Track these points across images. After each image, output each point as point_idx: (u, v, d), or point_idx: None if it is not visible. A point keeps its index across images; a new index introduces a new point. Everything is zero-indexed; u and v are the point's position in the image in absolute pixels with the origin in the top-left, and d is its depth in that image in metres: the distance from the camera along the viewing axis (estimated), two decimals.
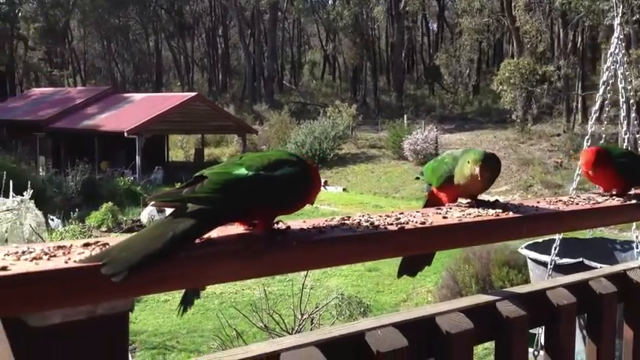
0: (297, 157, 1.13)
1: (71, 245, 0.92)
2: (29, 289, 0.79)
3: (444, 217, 1.32)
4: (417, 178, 1.72)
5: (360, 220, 1.22)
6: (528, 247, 5.48)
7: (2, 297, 0.77)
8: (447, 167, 1.51)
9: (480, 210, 1.40)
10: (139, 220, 20.19)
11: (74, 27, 57.29)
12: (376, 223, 1.20)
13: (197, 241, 0.98)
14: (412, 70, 55.72)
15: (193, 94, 33.24)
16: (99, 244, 0.93)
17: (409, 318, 1.35)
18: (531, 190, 23.48)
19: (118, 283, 0.83)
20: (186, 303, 1.06)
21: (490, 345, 1.57)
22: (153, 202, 1.01)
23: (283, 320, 9.68)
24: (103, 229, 19.18)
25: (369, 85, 50.07)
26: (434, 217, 1.30)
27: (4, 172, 13.55)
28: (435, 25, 56.39)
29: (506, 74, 29.01)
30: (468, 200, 1.51)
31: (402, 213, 1.31)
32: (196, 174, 1.05)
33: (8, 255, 0.86)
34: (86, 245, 0.92)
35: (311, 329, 9.65)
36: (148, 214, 20.75)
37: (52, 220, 17.58)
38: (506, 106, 31.35)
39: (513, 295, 1.57)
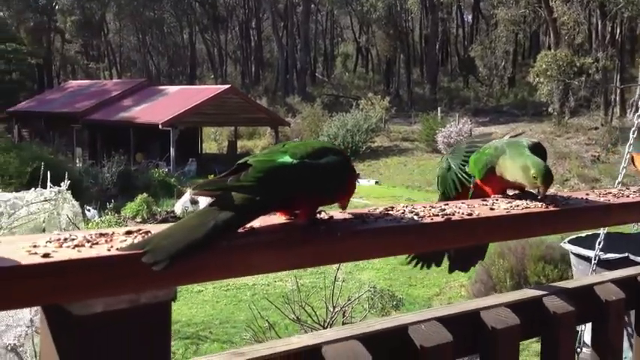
0: (338, 147, 1.10)
1: (113, 233, 0.90)
2: (72, 276, 0.77)
3: (491, 209, 1.27)
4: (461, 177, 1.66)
5: (404, 210, 1.19)
6: (571, 242, 5.37)
7: (44, 285, 0.76)
8: (488, 158, 1.46)
9: (528, 202, 1.35)
10: (173, 212, 20.41)
11: (110, 20, 58.00)
12: (421, 213, 1.17)
13: (239, 230, 0.95)
14: (446, 62, 55.16)
15: (227, 86, 33.40)
16: (141, 231, 0.92)
17: (453, 312, 1.31)
18: (567, 184, 23.09)
19: (159, 272, 0.81)
20: None
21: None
22: (196, 191, 0.98)
23: (315, 313, 9.68)
24: (138, 219, 19.43)
25: (402, 77, 49.74)
26: (480, 209, 1.25)
27: (42, 163, 13.77)
28: (469, 17, 55.72)
29: (543, 66, 28.53)
30: (515, 192, 1.47)
31: (447, 204, 1.27)
32: (239, 162, 1.03)
33: (50, 242, 0.84)
34: (128, 233, 0.91)
35: (343, 322, 9.63)
36: (181, 205, 20.94)
37: (89, 210, 17.85)
38: (543, 99, 30.85)
39: (560, 290, 1.52)
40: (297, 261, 1.01)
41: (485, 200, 1.37)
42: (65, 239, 0.85)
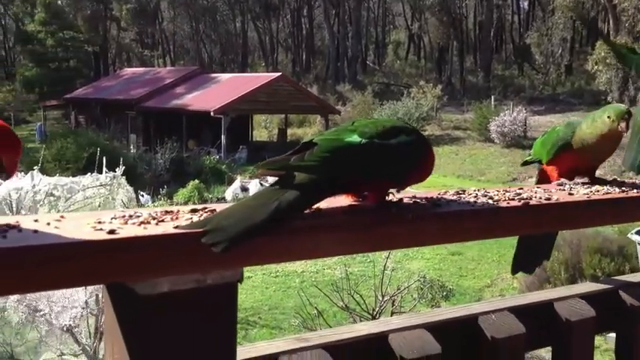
0: (412, 126, 1.04)
1: (178, 210, 0.88)
2: (138, 254, 0.75)
3: (570, 194, 1.20)
4: (525, 163, 1.56)
5: (477, 194, 1.12)
6: (638, 233, 5.19)
7: (110, 262, 0.73)
8: (559, 135, 1.37)
9: (608, 187, 1.27)
10: (224, 198, 20.66)
11: (164, 8, 58.87)
12: (495, 197, 1.10)
13: (303, 212, 0.91)
14: (501, 49, 54.11)
15: (278, 74, 33.52)
16: (206, 210, 0.89)
17: (526, 303, 1.25)
18: (625, 175, 22.37)
19: (219, 251, 0.77)
20: None
21: None
22: (260, 170, 0.93)
23: (364, 301, 9.66)
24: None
25: (455, 65, 48.99)
26: (558, 194, 1.18)
27: (98, 149, 14.11)
28: (525, 3, 54.46)
29: (602, 54, 27.66)
30: (584, 179, 1.37)
31: (522, 188, 1.20)
32: (304, 140, 0.98)
33: (115, 218, 0.82)
34: (193, 211, 0.88)
35: (392, 311, 9.58)
36: (232, 191, 21.18)
37: (142, 196, 18.19)
38: (602, 87, 29.95)
39: (637, 283, 1.44)
40: (364, 245, 0.96)
41: (561, 184, 1.30)
42: (130, 216, 0.83)
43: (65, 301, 8.00)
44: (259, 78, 32.80)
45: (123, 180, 11.57)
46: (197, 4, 54.18)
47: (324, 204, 0.97)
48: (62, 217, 0.82)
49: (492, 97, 33.78)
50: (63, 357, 8.72)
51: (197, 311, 0.81)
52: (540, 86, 41.05)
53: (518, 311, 1.20)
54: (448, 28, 47.31)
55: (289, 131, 34.69)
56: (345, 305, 9.56)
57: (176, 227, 0.80)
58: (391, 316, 9.44)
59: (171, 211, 0.87)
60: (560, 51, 41.43)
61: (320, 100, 33.93)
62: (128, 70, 42.44)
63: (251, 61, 60.65)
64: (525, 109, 29.38)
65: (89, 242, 0.72)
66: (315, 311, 9.63)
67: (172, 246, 0.77)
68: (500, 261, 14.78)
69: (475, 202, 1.07)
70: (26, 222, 0.77)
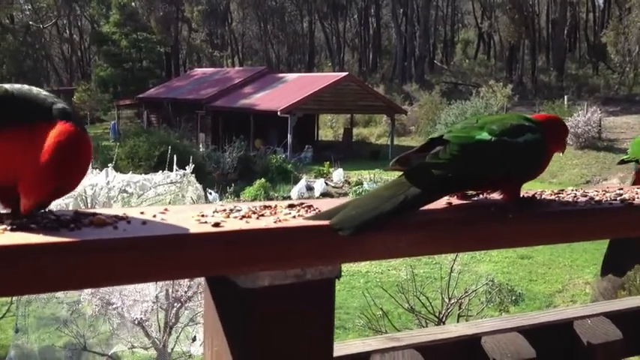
0: (534, 121, 1.03)
1: (276, 205, 0.88)
2: (241, 247, 0.75)
3: None
4: (621, 162, 1.51)
5: (576, 194, 1.09)
6: None
7: (215, 254, 0.74)
8: None
9: None
10: (289, 197, 20.83)
11: (234, 9, 59.82)
12: (597, 197, 1.07)
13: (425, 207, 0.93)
14: (574, 48, 52.49)
15: (344, 74, 33.54)
16: (303, 205, 0.89)
17: (623, 308, 1.20)
18: None
19: (325, 248, 0.78)
20: None
21: None
22: (392, 166, 0.96)
23: (430, 303, 9.55)
24: None
25: (526, 64, 47.82)
26: None
27: (169, 147, 14.49)
28: (601, 1, 52.60)
29: None
30: None
31: (622, 189, 1.15)
32: (432, 136, 1.00)
33: (217, 212, 0.83)
34: (291, 206, 0.89)
35: (459, 315, 9.44)
36: (297, 191, 21.34)
37: (210, 194, 18.52)
38: None
39: None
40: (465, 243, 0.95)
41: None
42: (231, 210, 0.84)
43: (137, 295, 8.23)
44: (326, 78, 32.91)
45: (192, 178, 11.84)
46: (266, 4, 54.85)
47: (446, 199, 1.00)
48: (166, 209, 0.84)
49: (565, 97, 32.80)
50: (133, 350, 8.99)
51: (296, 306, 0.82)
52: (616, 86, 39.60)
53: (614, 316, 1.16)
54: (520, 26, 46.17)
55: (355, 131, 34.66)
56: (411, 307, 9.48)
57: (304, 219, 0.83)
58: (457, 320, 9.30)
59: (270, 206, 0.88)
60: (637, 49, 39.81)
61: (386, 99, 33.75)
62: (198, 71, 43.35)
63: (318, 61, 60.94)
64: (600, 110, 28.41)
65: (195, 235, 0.73)
66: (380, 312, 9.59)
67: (274, 240, 0.78)
68: (572, 266, 14.35)
69: (575, 202, 1.03)
70: (133, 214, 0.79)
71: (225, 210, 0.84)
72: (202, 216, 0.81)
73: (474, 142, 0.96)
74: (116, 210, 0.80)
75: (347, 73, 34.77)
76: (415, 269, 11.64)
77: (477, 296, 10.48)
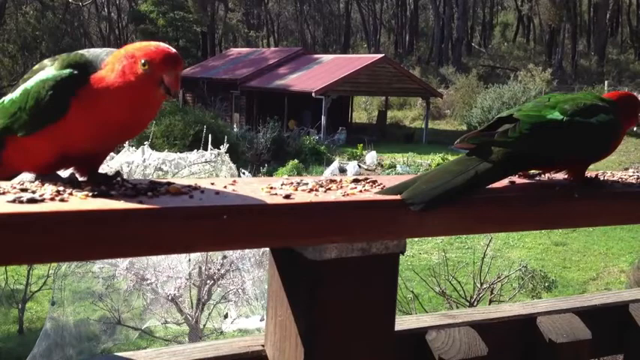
0: (607, 100, 1.02)
1: (341, 180, 0.89)
2: (313, 219, 0.77)
3: None
4: None
5: (639, 176, 1.08)
6: None
7: (287, 225, 0.76)
8: None
9: None
10: None
11: None
12: None
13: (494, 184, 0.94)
14: (616, 32, 51.20)
15: (380, 55, 33.25)
16: (368, 180, 0.90)
17: None
18: None
19: (415, 211, 0.80)
20: None
21: None
22: (462, 143, 0.96)
23: (462, 287, 9.51)
24: None
25: (566, 48, 46.84)
26: None
27: (204, 127, 14.58)
28: None
29: None
30: None
31: None
32: (501, 114, 0.99)
33: (285, 185, 0.85)
34: (356, 181, 0.89)
35: (490, 300, 9.38)
36: (330, 172, 21.34)
37: (244, 173, 18.54)
38: None
39: None
40: (532, 222, 0.94)
41: None
42: (298, 183, 0.85)
43: (170, 271, 8.34)
44: (361, 59, 32.67)
45: (227, 157, 11.91)
46: None
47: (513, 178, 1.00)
48: (235, 181, 0.85)
49: (606, 82, 32.10)
50: (166, 325, 9.13)
51: (361, 278, 0.83)
52: None
53: None
54: (561, 9, 45.16)
55: (389, 113, 34.43)
56: (442, 290, 9.45)
57: (376, 193, 0.84)
58: (489, 304, 9.25)
59: (335, 180, 0.88)
60: None
61: (422, 82, 33.41)
62: (234, 51, 43.41)
63: (353, 42, 60.54)
64: None
65: (270, 206, 0.75)
66: (411, 295, 9.59)
67: (344, 213, 0.79)
68: (607, 253, 14.13)
69: (637, 184, 1.02)
70: (205, 184, 0.81)
71: (292, 183, 0.85)
72: (272, 188, 0.82)
73: (545, 122, 0.95)
74: (186, 181, 0.82)
75: (383, 54, 34.46)
76: (447, 253, 11.59)
77: (510, 282, 10.40)
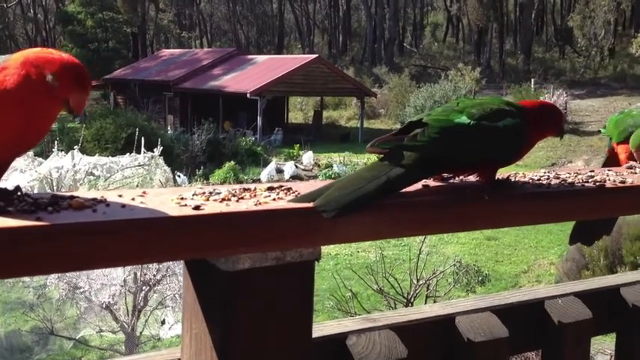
0: (516, 106, 1.04)
1: (255, 188, 0.88)
2: (222, 230, 0.75)
3: None
4: (599, 132, 1.56)
5: (549, 176, 1.11)
6: None
7: (196, 238, 0.74)
8: (631, 121, 1.35)
9: None
10: (259, 180, 20.75)
11: None
12: (569, 180, 1.09)
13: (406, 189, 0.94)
14: (542, 31, 53.05)
15: (314, 56, 33.39)
16: (283, 188, 0.89)
17: (592, 288, 1.23)
18: None
19: (308, 230, 0.79)
20: None
21: None
22: (371, 149, 0.97)
23: (399, 284, 9.65)
24: None
25: (494, 47, 48.19)
26: (632, 177, 1.16)
27: (137, 129, 14.29)
28: None
29: None
30: None
31: (593, 171, 1.18)
32: (411, 119, 1.01)
33: (196, 195, 0.83)
34: (270, 189, 0.89)
35: (427, 296, 9.56)
36: (267, 173, 21.28)
37: (179, 176, 18.35)
38: None
39: None
40: (442, 225, 0.96)
41: (632, 168, 1.27)
42: (211, 193, 0.84)
43: (104, 278, 8.16)
44: (295, 60, 32.73)
45: (161, 160, 11.72)
46: None
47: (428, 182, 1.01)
48: (145, 192, 0.83)
49: (532, 80, 33.19)
50: (101, 333, 8.92)
51: (276, 288, 0.82)
52: (582, 70, 40.16)
53: (584, 296, 1.19)
54: (488, 9, 46.44)
55: (325, 114, 34.61)
56: (380, 288, 9.57)
57: (288, 201, 0.83)
58: (425, 300, 9.42)
59: (249, 189, 0.87)
60: (603, 33, 40.39)
61: (356, 82, 33.74)
62: (166, 52, 42.73)
63: (287, 43, 60.54)
64: (566, 93, 28.81)
65: (176, 218, 0.73)
66: (350, 294, 9.66)
67: (256, 222, 0.77)
68: (537, 247, 14.60)
69: (549, 184, 1.05)
70: (111, 197, 0.78)
71: (204, 193, 0.83)
72: (182, 199, 0.80)
73: (453, 126, 0.97)
74: (93, 193, 0.79)
75: (317, 55, 34.63)
76: (384, 251, 11.73)
77: (445, 277, 10.62)
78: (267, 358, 0.82)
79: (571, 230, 1.40)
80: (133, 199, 0.79)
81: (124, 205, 0.75)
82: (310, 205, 0.82)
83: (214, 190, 0.85)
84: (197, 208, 0.76)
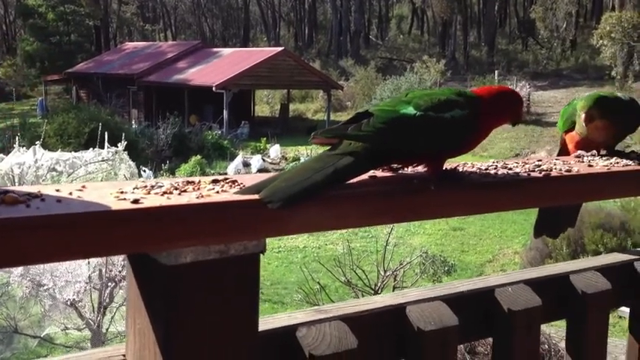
0: (468, 96, 1.03)
1: (199, 181, 0.87)
2: (162, 224, 0.74)
3: (590, 166, 1.19)
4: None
5: (497, 165, 1.12)
6: None
7: (135, 232, 0.73)
8: (572, 109, 1.37)
9: (627, 160, 1.26)
10: (226, 174, 20.60)
11: None
12: (515, 169, 1.10)
13: (354, 179, 0.94)
14: (505, 23, 53.65)
15: (280, 49, 33.28)
16: (227, 180, 0.88)
17: (542, 275, 1.25)
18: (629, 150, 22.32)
19: (250, 222, 0.78)
20: None
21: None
22: (316, 138, 0.97)
23: (367, 276, 9.71)
24: None
25: (458, 39, 48.60)
26: (578, 165, 1.17)
27: (100, 124, 14.08)
28: None
29: (607, 28, 27.43)
30: (603, 151, 1.36)
31: (541, 160, 1.19)
32: (359, 110, 1.01)
33: (137, 188, 0.81)
34: (215, 182, 0.88)
35: (394, 287, 9.64)
36: (234, 167, 21.19)
37: (144, 171, 18.15)
38: (606, 62, 29.77)
39: None
40: (387, 215, 0.96)
41: (580, 157, 1.29)
42: (152, 186, 0.82)
43: (69, 275, 8.05)
44: (261, 53, 32.58)
45: (125, 155, 11.55)
46: None
47: (376, 172, 1.02)
48: (84, 186, 0.81)
49: (496, 72, 33.57)
50: (67, 331, 8.81)
51: (220, 282, 0.81)
52: (544, 61, 40.75)
53: (534, 284, 1.20)
54: (452, 1, 46.82)
55: (291, 106, 34.55)
56: (347, 280, 9.62)
57: (234, 194, 0.82)
58: (393, 291, 9.50)
59: (193, 182, 0.86)
60: (564, 25, 41.04)
61: (322, 75, 33.73)
62: (129, 45, 42.15)
63: (253, 36, 60.20)
64: (529, 85, 29.24)
65: (113, 212, 0.72)
66: (318, 286, 9.69)
67: (196, 216, 0.77)
68: (501, 236, 14.82)
69: (496, 174, 1.06)
70: (48, 191, 0.77)
71: (146, 186, 0.82)
72: (121, 192, 0.79)
73: (398, 116, 0.97)
74: (30, 188, 0.77)
75: (283, 48, 34.50)
76: (352, 243, 11.78)
77: (412, 268, 10.71)
78: (212, 352, 0.81)
79: (534, 223, 1.42)
80: (71, 193, 0.78)
81: (59, 200, 0.74)
82: (255, 197, 0.81)
83: (156, 183, 0.83)
84: (136, 201, 0.75)
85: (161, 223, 0.74)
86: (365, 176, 0.97)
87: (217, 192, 0.83)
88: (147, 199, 0.77)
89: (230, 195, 0.82)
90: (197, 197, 0.79)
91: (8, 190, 0.74)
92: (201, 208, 0.77)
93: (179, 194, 0.80)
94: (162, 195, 0.79)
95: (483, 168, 1.10)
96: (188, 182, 0.85)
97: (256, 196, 0.81)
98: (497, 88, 1.11)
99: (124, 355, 0.86)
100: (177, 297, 0.78)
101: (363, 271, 9.77)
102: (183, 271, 0.78)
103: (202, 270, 0.79)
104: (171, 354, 0.78)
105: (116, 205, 0.73)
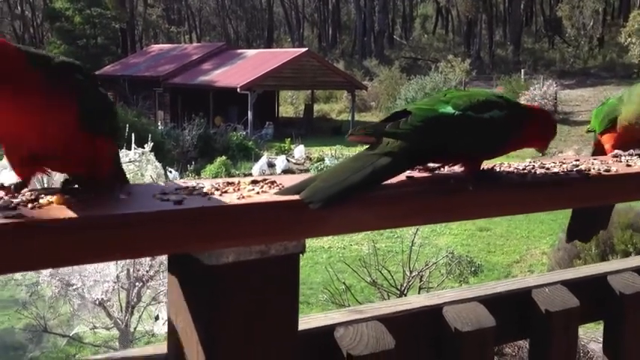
0: (510, 100, 1.03)
1: (239, 182, 0.88)
2: (205, 224, 0.75)
3: (628, 165, 1.17)
4: (588, 132, 1.55)
5: (534, 166, 1.11)
6: None
7: (177, 232, 0.74)
8: (610, 107, 1.35)
9: None
10: (251, 174, 20.71)
11: None
12: (553, 169, 1.09)
13: (392, 179, 0.94)
14: (531, 22, 53.10)
15: (304, 49, 33.32)
16: (267, 181, 0.89)
17: (579, 276, 1.23)
18: None
19: (293, 223, 0.78)
20: None
21: None
22: (352, 136, 0.96)
23: (392, 276, 9.68)
24: None
25: (483, 38, 48.21)
26: (616, 165, 1.16)
27: (127, 126, 14.23)
28: None
29: (636, 26, 27.02)
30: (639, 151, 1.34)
31: (578, 160, 1.18)
32: (397, 109, 0.99)
33: (179, 190, 0.82)
34: (254, 182, 0.88)
35: (420, 287, 9.59)
36: (259, 168, 21.25)
37: (170, 172, 18.29)
38: (634, 60, 29.32)
39: None
40: (427, 216, 0.96)
41: (617, 156, 1.27)
42: (194, 187, 0.83)
43: (97, 275, 8.15)
44: (285, 54, 32.65)
45: (151, 156, 11.67)
46: None
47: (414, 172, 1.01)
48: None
49: (522, 70, 33.25)
50: (95, 330, 8.91)
51: (261, 281, 0.81)
52: (571, 60, 40.25)
53: (571, 285, 1.19)
54: (477, 0, 46.48)
55: (315, 107, 34.57)
56: (373, 281, 9.59)
57: (274, 194, 0.83)
58: (419, 292, 9.45)
59: (233, 183, 0.87)
60: (591, 23, 40.48)
61: (346, 75, 33.69)
62: (155, 47, 42.53)
63: (277, 37, 60.37)
64: (556, 83, 28.89)
65: (157, 213, 0.72)
66: (343, 286, 9.68)
67: (239, 216, 0.77)
68: (529, 237, 14.66)
69: (534, 173, 1.05)
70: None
71: (187, 187, 0.83)
72: (164, 194, 0.80)
73: (436, 115, 0.96)
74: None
75: (306, 48, 34.54)
76: (377, 243, 11.75)
77: (438, 268, 10.65)
78: (253, 352, 0.82)
79: (567, 226, 1.41)
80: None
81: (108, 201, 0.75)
82: (295, 197, 0.82)
83: (198, 184, 0.84)
84: (178, 202, 0.76)
85: (203, 223, 0.75)
86: (402, 176, 0.97)
87: (257, 193, 0.83)
88: (189, 200, 0.78)
89: (270, 196, 0.82)
90: (238, 198, 0.80)
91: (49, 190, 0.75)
92: (243, 208, 0.77)
93: (220, 195, 0.81)
94: (203, 196, 0.80)
95: (520, 168, 1.09)
96: (228, 183, 0.86)
97: (297, 197, 0.82)
98: (544, 110, 1.11)
99: (165, 354, 0.87)
100: (219, 297, 0.79)
101: (389, 271, 9.74)
102: (224, 271, 0.78)
103: (244, 270, 0.79)
104: (213, 353, 0.79)
105: (159, 207, 0.74)
